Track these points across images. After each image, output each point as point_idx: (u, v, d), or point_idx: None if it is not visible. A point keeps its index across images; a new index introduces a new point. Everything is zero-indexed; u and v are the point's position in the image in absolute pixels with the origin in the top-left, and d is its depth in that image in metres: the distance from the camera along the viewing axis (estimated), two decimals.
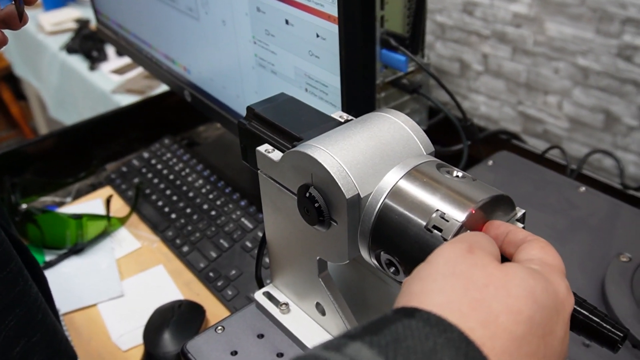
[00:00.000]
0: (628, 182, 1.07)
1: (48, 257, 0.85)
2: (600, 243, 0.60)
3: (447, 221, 0.38)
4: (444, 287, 0.30)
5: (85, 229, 0.85)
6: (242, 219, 0.84)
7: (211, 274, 0.78)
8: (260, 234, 0.81)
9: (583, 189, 0.66)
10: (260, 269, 0.59)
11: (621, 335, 0.34)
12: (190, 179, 0.93)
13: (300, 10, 0.58)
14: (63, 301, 0.77)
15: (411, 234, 0.39)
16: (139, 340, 0.71)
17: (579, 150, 1.21)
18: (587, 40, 1.12)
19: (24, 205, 0.93)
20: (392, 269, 0.42)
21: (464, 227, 0.37)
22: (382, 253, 0.42)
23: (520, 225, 0.41)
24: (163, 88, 1.34)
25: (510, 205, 0.41)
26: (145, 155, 1.01)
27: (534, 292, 0.29)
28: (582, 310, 0.35)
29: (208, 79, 0.82)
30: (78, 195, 0.99)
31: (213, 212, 0.86)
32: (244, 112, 0.52)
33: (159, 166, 0.98)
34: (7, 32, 0.55)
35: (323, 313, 0.51)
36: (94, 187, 1.01)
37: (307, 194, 0.44)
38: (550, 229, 0.63)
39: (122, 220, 0.90)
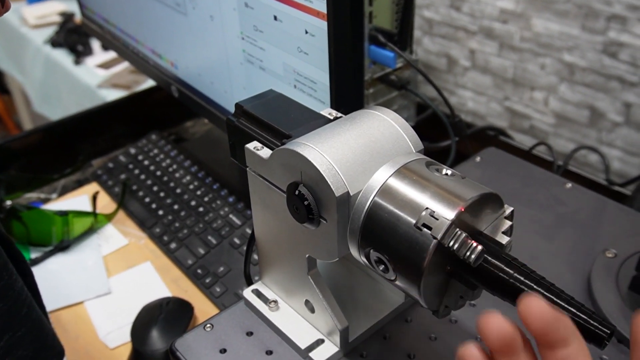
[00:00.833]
0: (613, 178, 1.08)
1: (33, 255, 0.84)
2: (586, 239, 0.61)
3: (437, 219, 0.38)
4: None
5: (72, 225, 0.84)
6: (230, 215, 0.83)
7: (199, 271, 0.77)
8: (249, 231, 0.81)
9: (569, 185, 0.67)
10: (249, 267, 0.59)
11: (608, 332, 0.35)
12: (177, 175, 0.93)
13: (289, 6, 0.58)
14: (49, 299, 0.76)
15: (401, 232, 0.39)
16: (127, 338, 0.71)
17: (565, 145, 1.22)
18: (573, 36, 1.12)
19: (9, 202, 0.92)
20: (382, 267, 0.42)
21: (453, 224, 0.38)
22: (371, 251, 0.42)
23: (509, 222, 0.42)
24: (150, 83, 1.33)
25: (498, 203, 0.41)
26: (132, 151, 1.00)
27: None
28: (569, 308, 0.36)
29: (196, 75, 0.82)
30: (64, 192, 0.98)
31: (201, 209, 0.86)
32: (232, 108, 0.52)
33: (146, 162, 0.97)
34: None
35: (312, 310, 0.51)
36: (79, 184, 1.00)
37: (297, 192, 0.44)
38: (537, 224, 0.63)
39: (109, 217, 0.89)
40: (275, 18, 0.60)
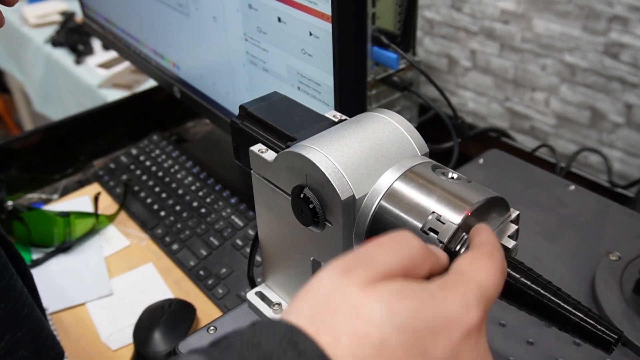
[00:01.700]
0: (614, 179, 1.08)
1: (35, 256, 0.84)
2: (590, 242, 0.61)
3: (443, 223, 0.38)
4: (302, 308, 0.29)
5: (73, 226, 0.84)
6: (233, 217, 0.83)
7: (201, 272, 0.77)
8: (251, 232, 0.81)
9: (572, 187, 0.67)
10: (253, 269, 0.59)
11: (615, 337, 0.35)
12: (179, 175, 0.93)
13: (293, 8, 0.58)
14: (51, 300, 0.77)
15: None
16: (129, 339, 0.71)
17: (566, 146, 1.22)
18: (574, 37, 1.12)
19: (10, 203, 0.92)
20: None
21: (460, 229, 0.38)
22: None
23: (515, 226, 0.42)
24: (151, 83, 1.33)
25: (504, 207, 0.41)
26: (134, 151, 1.00)
27: (393, 315, 0.28)
28: (577, 313, 0.36)
29: (198, 76, 0.82)
30: (65, 192, 0.98)
31: (203, 210, 0.86)
32: (234, 109, 0.52)
33: (148, 163, 0.97)
34: None
35: None
36: (81, 184, 1.00)
37: (302, 195, 0.44)
38: (540, 227, 0.63)
39: (111, 218, 0.89)
40: (279, 20, 0.60)
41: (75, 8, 1.81)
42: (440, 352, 0.28)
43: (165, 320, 0.70)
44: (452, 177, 0.41)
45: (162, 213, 0.87)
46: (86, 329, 0.74)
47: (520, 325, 0.53)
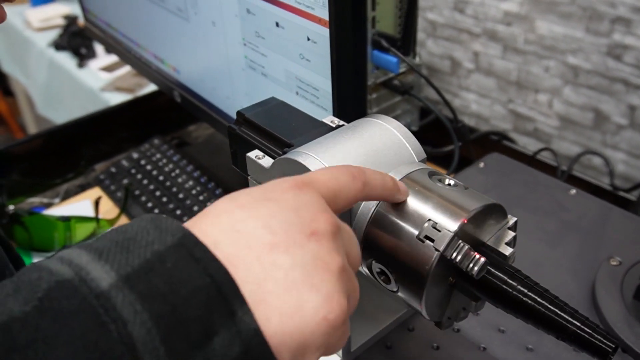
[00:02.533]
0: (617, 181, 1.07)
1: (36, 260, 0.84)
2: (591, 246, 0.60)
3: (439, 231, 0.38)
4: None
5: (74, 231, 0.84)
6: None
7: None
8: None
9: (574, 191, 0.67)
10: None
11: (612, 346, 0.34)
12: (180, 180, 0.93)
13: (291, 12, 0.58)
14: None
15: (403, 243, 0.39)
16: None
17: (569, 148, 1.22)
18: (577, 39, 1.12)
19: (12, 207, 0.92)
20: (384, 278, 0.41)
21: (456, 237, 0.37)
22: (373, 262, 0.41)
23: (512, 233, 0.41)
24: (153, 86, 1.33)
25: (502, 214, 0.41)
26: (135, 155, 1.00)
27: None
28: (574, 321, 0.35)
29: (198, 80, 0.81)
30: (66, 196, 0.98)
31: None
32: (234, 114, 0.52)
33: (149, 167, 0.97)
34: None
35: None
36: (82, 188, 1.00)
37: None
38: (541, 231, 0.63)
39: (112, 222, 0.89)
40: (277, 24, 0.60)
41: (78, 12, 1.82)
42: (280, 191, 0.31)
43: None
44: (449, 184, 0.41)
45: None
46: None
47: (519, 331, 0.53)
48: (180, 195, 0.90)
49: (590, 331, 0.35)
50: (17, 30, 1.94)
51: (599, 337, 0.35)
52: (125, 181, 0.95)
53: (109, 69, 1.62)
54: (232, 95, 0.74)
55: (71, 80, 1.67)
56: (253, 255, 0.28)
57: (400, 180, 0.42)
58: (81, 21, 1.78)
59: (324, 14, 0.53)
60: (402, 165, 0.43)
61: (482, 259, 0.37)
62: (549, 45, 1.17)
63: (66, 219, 0.84)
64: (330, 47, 0.55)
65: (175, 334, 0.25)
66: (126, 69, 1.60)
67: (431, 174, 0.42)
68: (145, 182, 0.94)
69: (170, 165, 0.96)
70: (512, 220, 0.42)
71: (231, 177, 0.91)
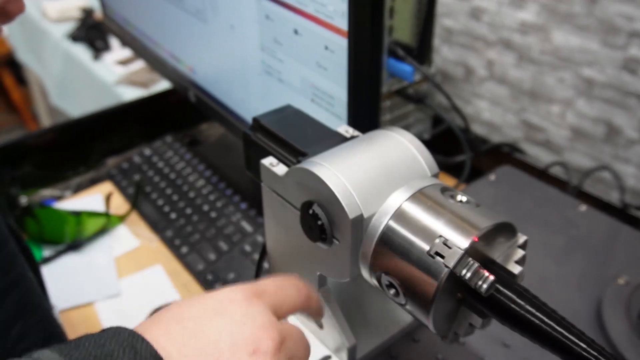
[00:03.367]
0: (628, 196, 1.07)
1: (46, 252, 0.85)
2: (598, 264, 0.61)
3: (450, 248, 0.38)
4: (152, 319, 0.35)
5: (84, 225, 0.85)
6: (242, 222, 0.84)
7: (209, 277, 0.78)
8: (260, 238, 0.81)
9: (584, 207, 0.67)
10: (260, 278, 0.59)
11: None
12: (191, 178, 0.93)
13: (310, 21, 0.58)
14: (60, 297, 0.78)
15: (413, 258, 0.39)
16: None
17: (580, 160, 1.21)
18: (592, 51, 1.12)
19: (24, 199, 0.93)
20: (392, 291, 0.42)
21: (466, 254, 0.38)
22: (382, 275, 0.42)
23: (522, 252, 0.41)
24: (166, 82, 1.34)
25: (512, 232, 0.41)
26: (147, 152, 1.01)
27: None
28: (580, 343, 0.36)
29: (213, 81, 0.82)
30: (78, 190, 0.99)
31: (213, 214, 0.86)
32: (248, 117, 0.53)
33: (160, 164, 0.98)
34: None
35: (321, 327, 0.51)
36: (94, 182, 1.01)
37: (310, 211, 0.44)
38: (549, 247, 0.63)
39: (122, 218, 0.90)
40: (295, 32, 0.61)
41: (95, 4, 1.83)
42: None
43: None
44: (461, 201, 0.41)
45: (173, 215, 0.88)
46: (94, 328, 0.75)
47: (524, 347, 0.53)
48: (191, 194, 0.90)
49: (596, 354, 0.35)
50: (34, 20, 1.95)
51: None
52: (136, 177, 0.96)
53: (123, 62, 1.63)
54: (247, 99, 0.75)
55: (86, 72, 1.68)
56: None
57: (413, 195, 0.42)
58: (98, 14, 1.79)
59: (343, 24, 0.54)
60: (415, 179, 0.44)
61: (491, 277, 0.37)
62: (564, 56, 1.17)
63: (77, 213, 0.85)
64: (348, 57, 0.55)
65: None
66: (140, 63, 1.60)
67: (443, 190, 0.42)
68: (156, 179, 0.95)
69: (182, 164, 0.97)
70: (522, 239, 0.42)
71: (241, 178, 0.92)
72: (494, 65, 1.31)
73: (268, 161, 0.48)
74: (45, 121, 2.44)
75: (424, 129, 0.80)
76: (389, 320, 0.54)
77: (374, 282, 0.43)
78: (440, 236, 0.39)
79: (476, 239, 0.38)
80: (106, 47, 1.69)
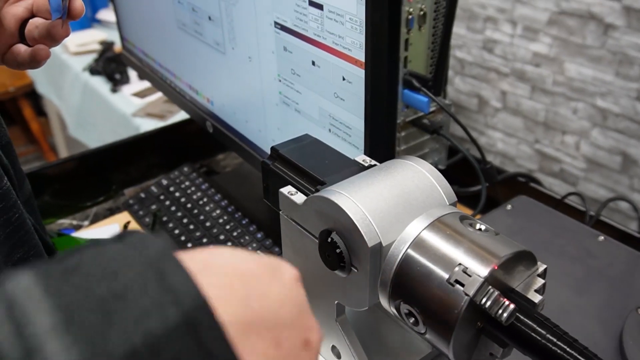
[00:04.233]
0: None
1: None
2: (619, 295, 0.60)
3: (470, 276, 0.38)
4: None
5: None
6: (258, 252, 0.84)
7: None
8: None
9: (602, 238, 0.66)
10: None
11: None
12: (207, 208, 0.94)
13: (328, 52, 0.59)
14: None
15: (433, 286, 0.39)
16: None
17: (595, 191, 1.21)
18: (606, 82, 1.12)
19: None
20: (412, 320, 0.42)
21: (486, 282, 0.38)
22: (402, 303, 0.42)
23: (541, 280, 0.41)
24: (183, 114, 1.36)
25: (532, 260, 0.41)
26: (164, 182, 1.02)
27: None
28: None
29: (231, 112, 0.83)
30: (95, 219, 1.00)
31: (229, 243, 0.87)
32: (266, 147, 0.53)
33: (177, 194, 0.99)
34: None
35: (338, 356, 0.51)
36: (111, 212, 1.02)
37: (329, 239, 0.44)
38: (568, 277, 0.63)
39: None
40: (313, 63, 0.62)
41: (115, 37, 1.87)
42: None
43: None
44: (480, 229, 0.42)
45: (189, 245, 0.88)
46: None
47: None
48: (207, 224, 0.91)
49: None
50: (54, 53, 1.99)
51: None
52: (153, 207, 0.97)
53: (140, 94, 1.66)
54: (265, 129, 0.76)
55: (104, 104, 1.71)
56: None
57: (431, 223, 0.42)
58: (117, 47, 1.83)
59: (361, 56, 0.55)
60: (433, 208, 0.44)
61: (512, 306, 0.37)
62: (578, 87, 1.17)
63: None
64: (365, 88, 0.56)
65: None
66: (157, 95, 1.63)
67: (462, 218, 0.42)
68: (173, 208, 0.96)
69: (199, 193, 0.97)
70: (541, 268, 0.42)
71: (257, 208, 0.92)
72: (507, 97, 1.32)
73: (287, 190, 0.49)
74: (63, 152, 2.48)
75: (439, 159, 0.81)
76: (407, 349, 0.53)
77: (393, 310, 0.43)
78: (460, 264, 0.39)
79: (496, 267, 0.38)
80: (124, 80, 1.72)
